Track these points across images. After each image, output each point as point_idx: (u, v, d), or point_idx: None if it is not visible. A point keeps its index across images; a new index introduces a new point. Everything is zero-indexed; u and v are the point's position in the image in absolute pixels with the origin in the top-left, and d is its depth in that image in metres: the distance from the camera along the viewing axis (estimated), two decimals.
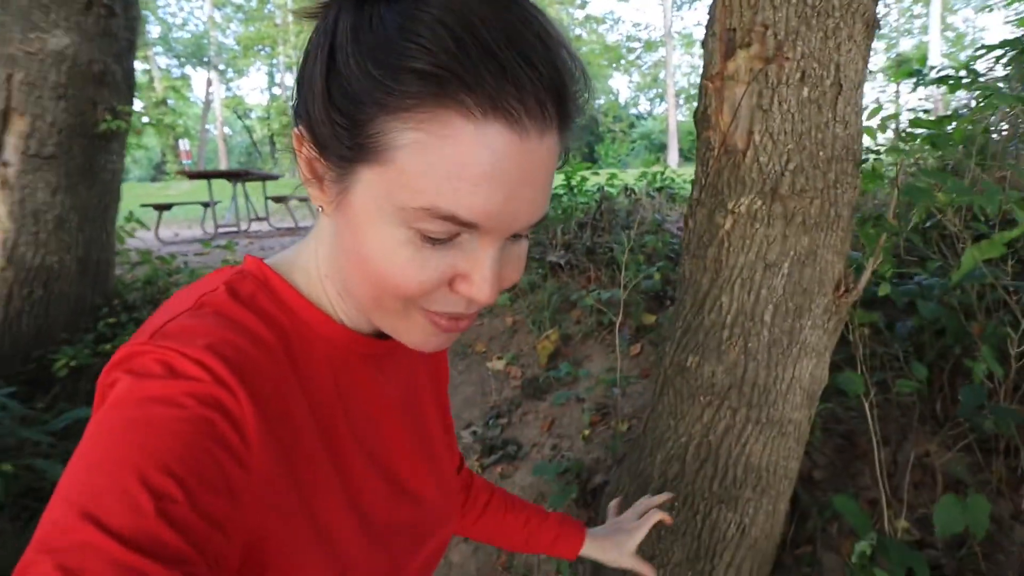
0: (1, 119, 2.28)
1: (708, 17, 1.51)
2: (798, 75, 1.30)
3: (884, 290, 1.44)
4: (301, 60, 0.38)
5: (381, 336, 0.48)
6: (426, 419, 0.54)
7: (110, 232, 2.70)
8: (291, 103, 0.39)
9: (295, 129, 0.38)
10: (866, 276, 1.37)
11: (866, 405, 1.53)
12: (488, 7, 0.32)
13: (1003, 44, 2.95)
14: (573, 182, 4.31)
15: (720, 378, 1.37)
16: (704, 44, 1.48)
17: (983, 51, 3.06)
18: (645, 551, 1.45)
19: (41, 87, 2.33)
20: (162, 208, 6.20)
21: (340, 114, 0.34)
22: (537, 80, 0.32)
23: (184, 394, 0.33)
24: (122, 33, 2.56)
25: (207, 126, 30.61)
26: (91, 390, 2.17)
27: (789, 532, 1.59)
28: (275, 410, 0.38)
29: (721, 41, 1.41)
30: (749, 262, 1.34)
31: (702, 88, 1.48)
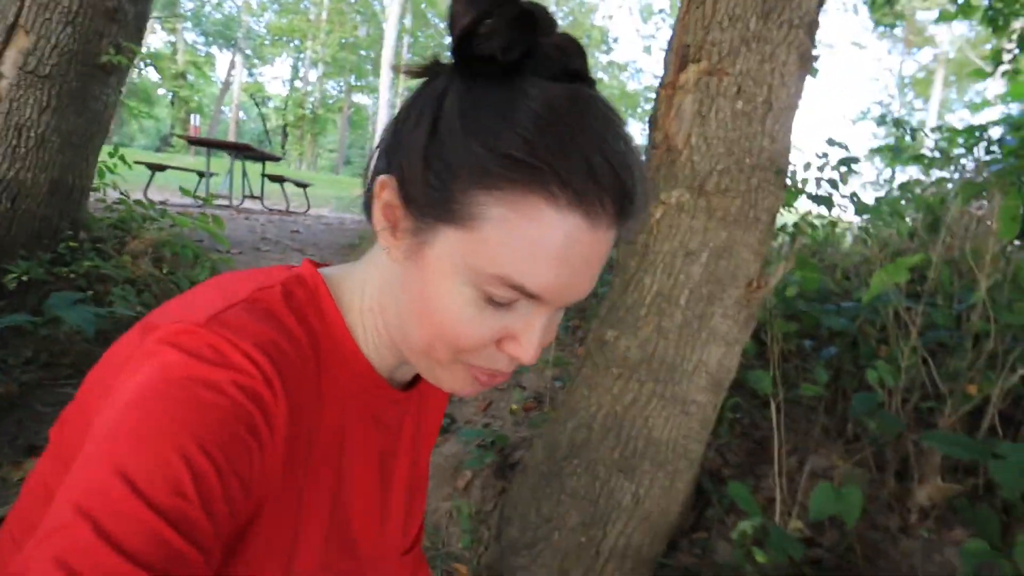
0: (6, 33, 2.36)
1: (671, 35, 1.65)
2: (735, 89, 1.43)
3: (791, 292, 1.55)
4: (399, 115, 0.42)
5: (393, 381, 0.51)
6: (396, 480, 0.55)
7: (91, 163, 2.75)
8: (378, 147, 0.43)
9: (381, 177, 0.41)
10: (778, 276, 1.47)
11: (772, 405, 1.62)
12: (582, 111, 0.37)
13: (966, 130, 3.17)
14: None
15: (633, 352, 1.45)
16: (665, 58, 1.61)
17: (949, 134, 3.29)
18: (544, 512, 1.50)
19: (52, 10, 2.41)
20: (155, 168, 6.19)
21: (436, 177, 0.38)
22: (616, 185, 0.37)
23: (232, 383, 0.35)
24: None
25: (223, 107, 30.78)
26: (38, 304, 2.19)
27: (690, 519, 1.65)
28: (300, 418, 0.40)
29: (676, 55, 1.55)
30: (672, 249, 1.44)
31: (657, 96, 1.61)
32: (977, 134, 3.01)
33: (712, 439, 1.90)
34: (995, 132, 3.00)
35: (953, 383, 1.56)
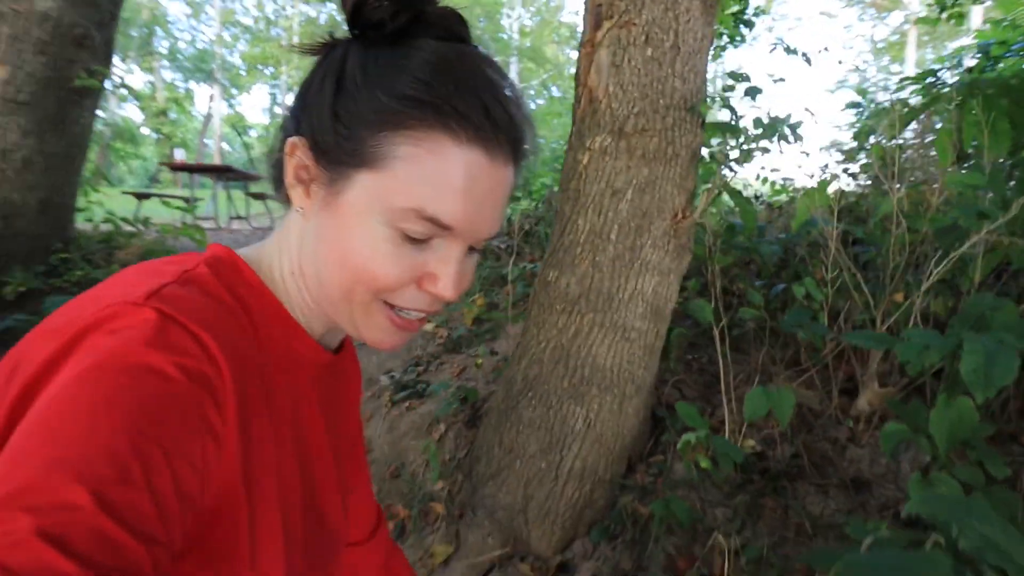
0: None
1: None
2: (643, 38, 1.57)
3: (713, 218, 1.67)
4: (303, 85, 0.45)
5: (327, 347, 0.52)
6: (343, 444, 0.56)
7: (74, 182, 2.90)
8: (285, 116, 0.46)
9: (292, 139, 0.43)
10: (702, 207, 1.60)
11: (716, 333, 1.74)
12: (471, 61, 0.42)
13: (918, 75, 3.31)
14: (532, 187, 4.66)
15: (573, 288, 1.58)
16: (584, 20, 1.75)
17: (907, 81, 3.43)
18: (506, 444, 1.63)
19: (25, 41, 2.56)
20: (141, 196, 6.36)
21: (345, 127, 0.41)
22: (509, 124, 0.42)
23: (175, 366, 0.33)
24: (105, 5, 2.83)
25: (206, 140, 31.12)
26: (34, 313, 2.33)
27: (647, 445, 1.77)
28: (247, 395, 0.39)
29: (592, 15, 1.69)
30: (600, 190, 1.57)
31: (578, 55, 1.75)
32: (930, 78, 3.15)
33: (669, 376, 2.03)
34: (946, 75, 3.14)
35: (880, 293, 1.68)
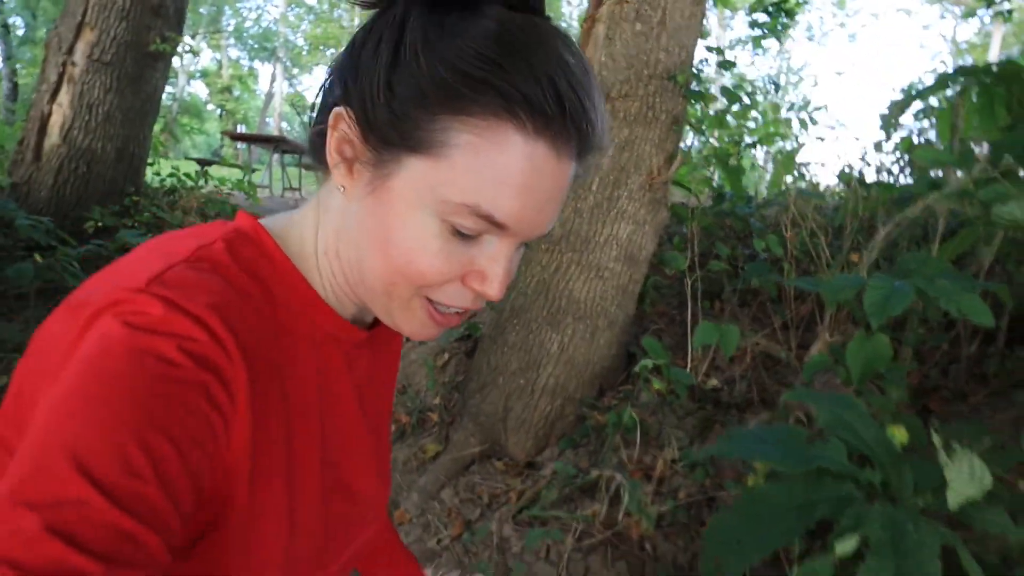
0: (76, 29, 2.92)
1: None
2: (634, 14, 1.77)
3: (706, 183, 1.87)
4: (354, 44, 0.39)
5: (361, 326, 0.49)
6: (378, 418, 0.55)
7: (147, 136, 3.31)
8: (329, 77, 0.41)
9: (337, 109, 0.38)
10: (675, 167, 1.80)
11: (688, 281, 1.94)
12: (543, 35, 0.36)
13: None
14: None
15: (556, 230, 1.81)
16: None
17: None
18: (492, 363, 1.89)
19: (110, 9, 2.96)
20: (204, 164, 6.92)
21: (400, 104, 0.36)
22: (580, 112, 0.36)
23: (180, 351, 0.32)
24: None
25: (267, 119, 32.42)
26: (108, 257, 2.74)
27: (620, 377, 2.00)
28: (261, 377, 0.38)
29: None
30: None
31: (580, 30, 1.97)
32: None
33: (648, 323, 2.24)
34: None
35: (838, 254, 1.84)
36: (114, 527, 0.27)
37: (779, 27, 5.32)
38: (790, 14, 5.16)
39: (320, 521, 0.44)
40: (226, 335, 0.35)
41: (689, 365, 1.89)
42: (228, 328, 0.35)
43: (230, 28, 27.67)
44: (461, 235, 0.38)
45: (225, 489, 0.36)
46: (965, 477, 1.00)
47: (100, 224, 2.78)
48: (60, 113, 2.91)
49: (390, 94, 0.36)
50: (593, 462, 1.72)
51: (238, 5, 26.83)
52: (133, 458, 0.29)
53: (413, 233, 0.38)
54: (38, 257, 2.15)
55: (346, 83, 0.39)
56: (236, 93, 30.12)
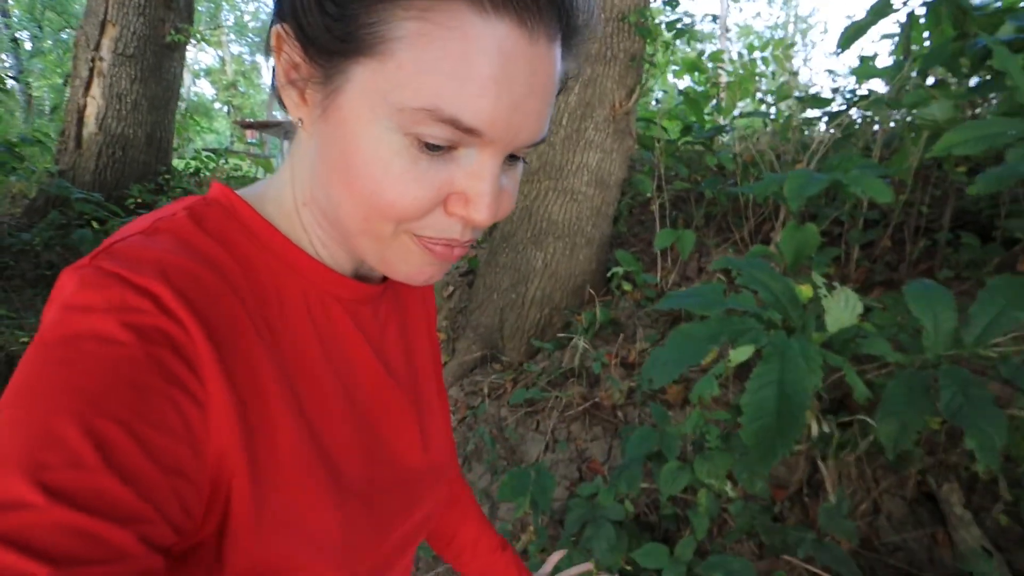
0: (100, 26, 3.23)
1: None
2: None
3: (673, 123, 2.12)
4: None
5: (359, 280, 0.43)
6: (412, 378, 0.49)
7: (170, 120, 3.64)
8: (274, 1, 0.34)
9: (276, 27, 0.33)
10: (634, 99, 2.05)
11: (656, 203, 2.21)
12: None
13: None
14: None
15: (534, 163, 2.09)
16: None
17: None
18: (488, 283, 2.18)
19: (128, 5, 3.26)
20: (216, 152, 7.28)
21: (334, 4, 0.30)
22: None
23: (125, 327, 0.29)
24: None
25: (274, 112, 32.71)
26: None
27: (601, 292, 2.28)
28: (234, 346, 0.33)
29: None
30: None
31: None
32: None
33: (625, 245, 2.51)
34: None
35: (785, 165, 2.09)
36: (62, 525, 0.25)
37: None
38: None
39: (367, 485, 0.40)
40: (177, 304, 0.31)
41: (659, 274, 2.16)
42: (181, 297, 0.31)
43: (230, 23, 27.89)
44: (431, 149, 0.32)
45: (218, 467, 0.32)
46: (840, 307, 1.27)
47: (140, 200, 3.13)
48: (94, 104, 3.24)
49: None
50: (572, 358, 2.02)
51: (235, 0, 26.95)
52: (75, 447, 0.26)
53: (373, 154, 0.32)
54: (94, 224, 2.50)
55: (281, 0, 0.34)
56: (242, 89, 30.55)
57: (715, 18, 2.19)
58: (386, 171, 0.32)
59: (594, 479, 1.47)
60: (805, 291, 1.42)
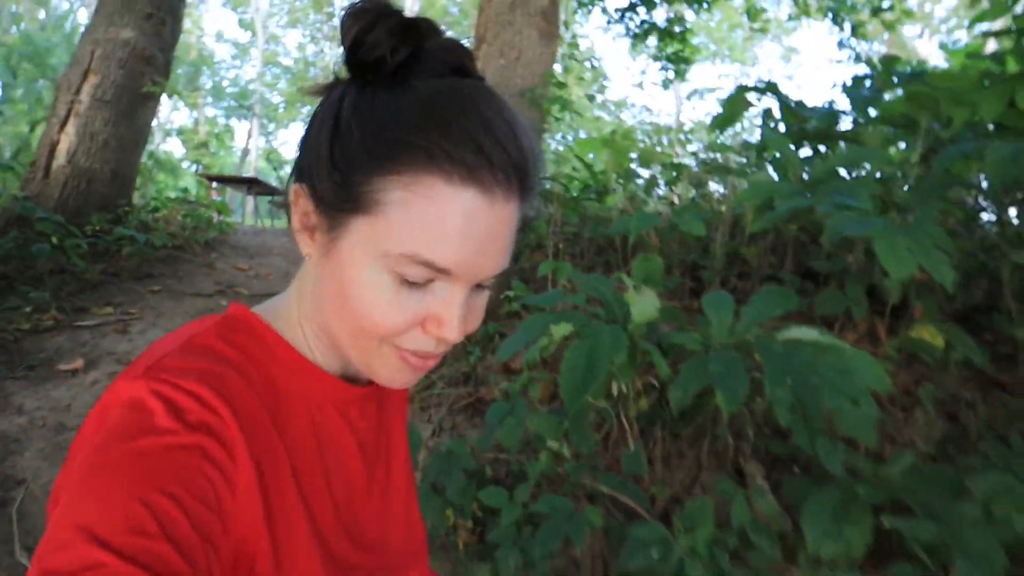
0: (83, 75, 3.65)
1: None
2: (498, 53, 2.56)
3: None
4: (306, 128, 0.44)
5: (349, 381, 0.51)
6: (390, 469, 0.56)
7: (135, 162, 4.01)
8: (292, 166, 0.45)
9: (294, 186, 0.43)
10: None
11: (549, 244, 2.66)
12: (465, 97, 0.39)
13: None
14: None
15: None
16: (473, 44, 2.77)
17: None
18: None
19: (110, 59, 3.70)
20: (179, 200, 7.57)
21: (339, 173, 0.40)
22: (506, 158, 0.39)
23: (175, 420, 0.36)
24: (167, 36, 4.00)
25: (243, 173, 33.10)
26: (106, 247, 3.36)
27: (498, 312, 2.67)
28: (258, 437, 0.41)
29: (475, 40, 2.70)
30: None
31: None
32: None
33: (521, 278, 2.93)
34: None
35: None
36: None
37: (681, 69, 6.30)
38: (687, 61, 6.16)
39: (343, 570, 0.46)
40: (216, 401, 0.39)
41: None
42: (218, 395, 0.39)
43: (208, 87, 28.85)
44: (410, 284, 0.40)
45: (238, 547, 0.38)
46: (642, 304, 1.70)
47: (98, 228, 3.42)
48: (67, 140, 3.59)
49: (332, 165, 0.40)
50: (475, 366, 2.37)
51: (216, 66, 28.04)
52: (137, 518, 0.32)
53: (364, 288, 0.41)
54: (54, 239, 2.78)
55: (300, 164, 0.44)
56: (212, 150, 31.07)
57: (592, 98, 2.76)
58: (374, 300, 0.41)
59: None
60: (630, 298, 1.85)
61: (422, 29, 0.41)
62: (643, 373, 1.87)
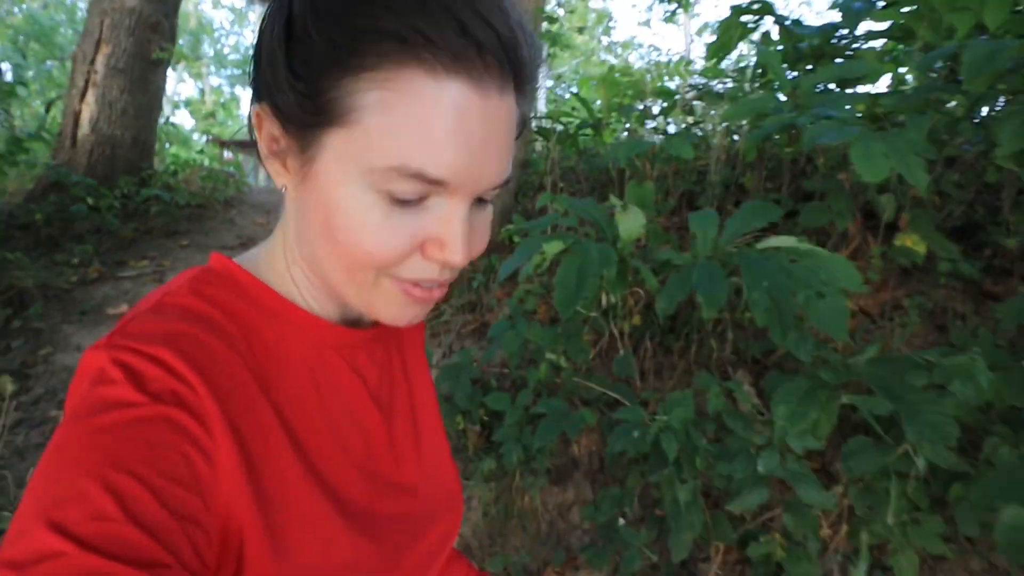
0: (95, 45, 3.78)
1: None
2: None
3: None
4: (256, 37, 0.37)
5: (351, 326, 0.47)
6: (411, 409, 0.53)
7: (154, 125, 4.17)
8: (249, 82, 0.38)
9: (255, 107, 0.37)
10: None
11: (548, 179, 2.76)
12: None
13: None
14: None
15: None
16: None
17: None
18: None
19: (119, 28, 3.81)
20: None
21: (302, 81, 0.34)
22: (496, 40, 0.33)
23: (139, 392, 0.33)
24: (170, 1, 4.08)
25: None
26: (135, 208, 3.58)
27: (500, 247, 2.81)
28: (238, 401, 0.37)
29: None
30: None
31: None
32: None
33: (521, 214, 3.05)
34: None
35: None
36: (92, 570, 0.28)
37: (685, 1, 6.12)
38: None
39: (372, 516, 0.44)
40: (183, 366, 0.35)
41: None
42: (188, 361, 0.35)
43: (210, 56, 28.68)
44: (402, 203, 0.35)
45: (229, 515, 0.35)
46: (628, 222, 1.82)
47: (125, 191, 3.63)
48: (88, 110, 3.76)
49: (291, 74, 0.34)
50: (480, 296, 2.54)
51: (215, 33, 27.72)
52: (98, 502, 0.29)
53: (350, 212, 0.36)
54: (89, 200, 2.98)
55: (256, 80, 0.37)
56: (220, 119, 31.17)
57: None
58: (364, 226, 0.35)
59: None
60: (617, 217, 1.97)
61: None
62: (635, 290, 2.01)
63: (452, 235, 0.37)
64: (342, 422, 0.45)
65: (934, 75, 1.92)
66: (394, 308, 0.40)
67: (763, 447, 1.26)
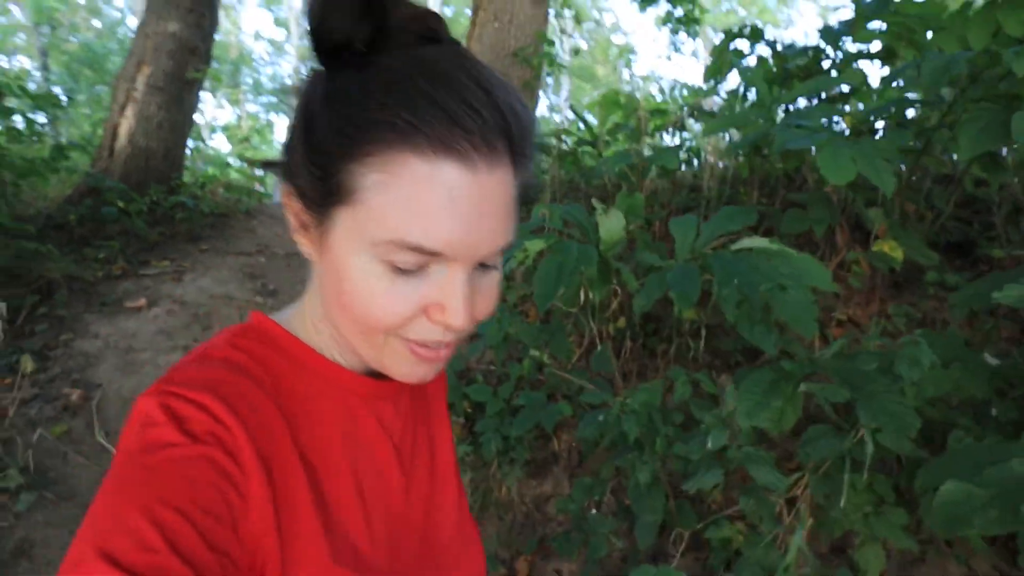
0: (137, 65, 4.10)
1: None
2: (493, 17, 2.79)
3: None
4: (288, 131, 0.42)
5: (378, 378, 0.50)
6: (432, 462, 0.56)
7: (183, 141, 4.47)
8: (280, 168, 0.43)
9: (283, 187, 0.42)
10: None
11: (547, 191, 2.89)
12: (432, 66, 0.37)
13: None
14: None
15: None
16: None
17: None
18: None
19: (160, 50, 4.13)
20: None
21: (316, 166, 0.39)
22: (483, 124, 0.36)
23: (181, 433, 0.37)
24: (207, 26, 4.41)
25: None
26: (162, 214, 3.81)
27: None
28: (268, 442, 0.41)
29: (473, 9, 2.94)
30: None
31: (468, 35, 3.00)
32: None
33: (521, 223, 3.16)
34: None
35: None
36: None
37: (692, 29, 6.30)
38: (697, 21, 6.16)
39: (392, 564, 0.47)
40: (221, 410, 0.39)
41: None
42: (224, 403, 0.39)
43: (249, 83, 30.07)
44: (405, 272, 0.39)
45: (254, 549, 0.38)
46: (609, 225, 1.91)
47: (155, 199, 3.88)
48: (126, 123, 4.05)
49: (308, 159, 0.39)
50: None
51: (255, 63, 29.10)
52: (145, 534, 0.33)
53: (358, 280, 0.39)
54: (120, 204, 3.21)
55: (284, 162, 0.42)
56: (254, 144, 32.51)
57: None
58: (371, 293, 0.39)
59: None
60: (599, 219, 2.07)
61: (383, 3, 0.38)
62: (620, 293, 2.09)
63: (452, 300, 0.40)
64: (364, 468, 0.48)
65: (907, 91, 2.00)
66: (405, 367, 0.44)
67: (713, 426, 1.31)
